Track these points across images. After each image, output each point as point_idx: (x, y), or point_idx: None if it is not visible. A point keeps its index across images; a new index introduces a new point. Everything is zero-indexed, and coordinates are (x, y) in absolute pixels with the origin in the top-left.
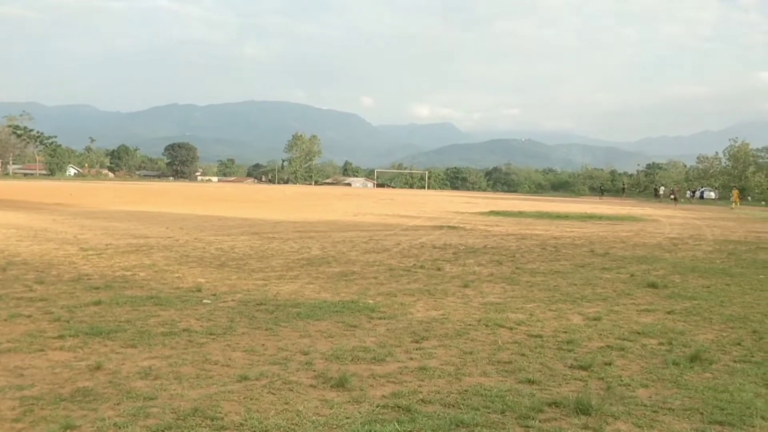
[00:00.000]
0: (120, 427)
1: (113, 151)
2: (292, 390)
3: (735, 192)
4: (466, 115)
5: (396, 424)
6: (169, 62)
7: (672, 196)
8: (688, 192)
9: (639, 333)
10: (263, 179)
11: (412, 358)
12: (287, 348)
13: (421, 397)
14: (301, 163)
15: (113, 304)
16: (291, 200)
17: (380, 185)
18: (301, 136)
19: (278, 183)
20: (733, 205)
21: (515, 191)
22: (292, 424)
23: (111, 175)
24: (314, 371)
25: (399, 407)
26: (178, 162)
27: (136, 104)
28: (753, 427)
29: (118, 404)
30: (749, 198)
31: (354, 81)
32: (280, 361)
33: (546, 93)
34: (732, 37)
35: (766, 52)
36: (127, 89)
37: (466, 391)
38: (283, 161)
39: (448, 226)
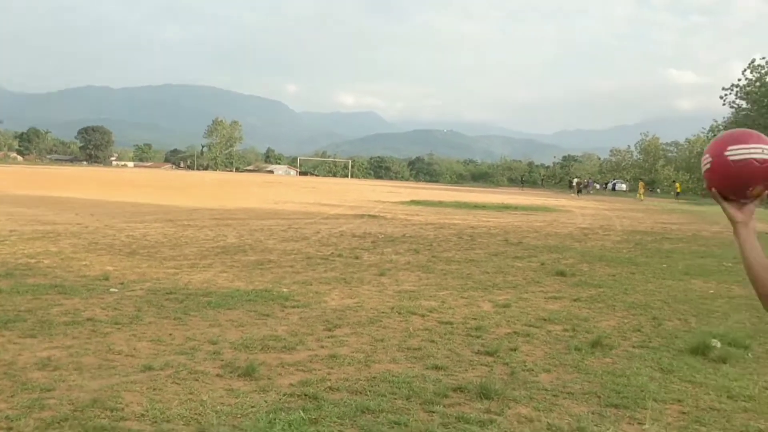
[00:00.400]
0: (12, 420)
1: (22, 133)
2: (197, 380)
3: (641, 184)
4: (390, 104)
5: (301, 412)
6: (83, 42)
7: (577, 188)
8: (597, 184)
9: (545, 320)
10: (181, 165)
11: (323, 346)
12: (195, 338)
13: (329, 384)
14: (221, 150)
15: (13, 293)
16: (209, 187)
17: (303, 173)
18: (221, 121)
19: (197, 169)
20: (640, 196)
21: (437, 181)
22: (196, 414)
23: (20, 158)
24: (222, 361)
25: (306, 395)
26: (92, 146)
27: (48, 85)
28: (645, 409)
29: (12, 396)
30: (658, 190)
31: (278, 67)
32: (187, 350)
33: (468, 85)
34: (645, 35)
35: (676, 50)
36: (38, 69)
37: (374, 378)
38: (203, 147)
39: (369, 215)
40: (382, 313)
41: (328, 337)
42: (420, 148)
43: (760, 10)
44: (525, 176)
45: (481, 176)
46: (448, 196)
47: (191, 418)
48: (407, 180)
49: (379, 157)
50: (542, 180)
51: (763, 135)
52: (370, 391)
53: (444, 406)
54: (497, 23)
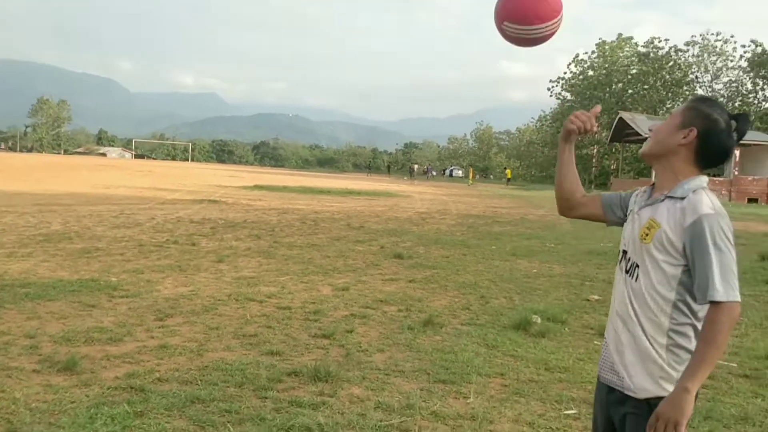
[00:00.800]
0: None
1: None
2: (10, 376)
3: (471, 170)
4: (233, 86)
5: (126, 405)
6: None
7: (410, 173)
8: (434, 171)
9: (382, 301)
10: (2, 146)
11: (152, 337)
12: (10, 332)
13: (158, 376)
14: (47, 130)
15: None
16: (33, 170)
17: (139, 156)
18: (47, 100)
19: (20, 151)
20: (470, 181)
21: (282, 166)
22: (7, 413)
23: None
24: (40, 355)
25: (132, 388)
26: None
27: None
28: (470, 383)
29: None
30: (491, 177)
31: (111, 42)
32: (0, 346)
33: (313, 69)
34: (479, 27)
35: (507, 43)
36: None
37: (206, 367)
38: (26, 127)
39: (209, 200)
40: (219, 300)
41: (159, 327)
42: (264, 132)
43: (584, 7)
44: (371, 162)
45: (326, 162)
46: (293, 181)
47: (1, 417)
48: (252, 165)
49: (221, 140)
50: (388, 166)
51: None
52: (201, 380)
53: (277, 391)
54: (342, 8)
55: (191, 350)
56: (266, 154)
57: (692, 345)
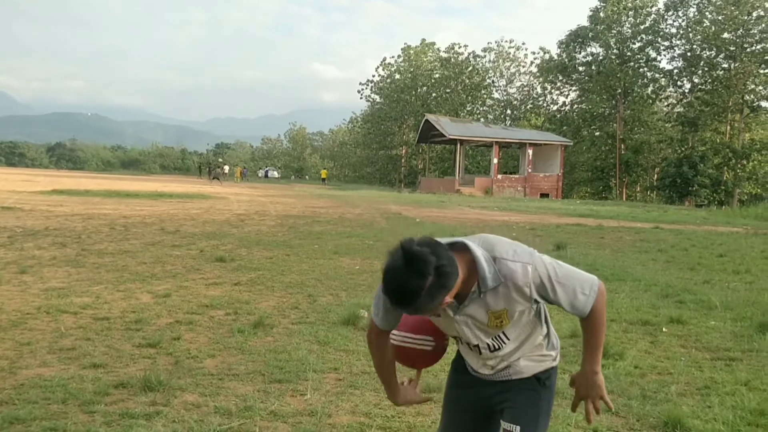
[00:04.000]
0: None
1: None
2: None
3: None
4: (25, 84)
5: None
6: None
7: (212, 174)
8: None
9: (207, 306)
10: None
11: None
12: None
13: None
14: None
15: None
16: None
17: None
18: None
19: None
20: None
21: (82, 169)
22: None
23: None
24: None
25: None
26: None
27: None
28: (306, 380)
29: None
30: (307, 177)
31: None
32: None
33: (114, 67)
34: (291, 28)
35: (319, 45)
36: None
37: (22, 385)
38: None
39: (2, 207)
40: (27, 314)
41: None
42: (61, 132)
43: (391, 12)
44: (209, 163)
45: (131, 163)
46: (96, 185)
47: None
48: (47, 168)
49: (11, 142)
50: (209, 168)
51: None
52: (18, 399)
53: (105, 405)
54: (144, 3)
55: (2, 369)
56: (63, 156)
57: (549, 327)
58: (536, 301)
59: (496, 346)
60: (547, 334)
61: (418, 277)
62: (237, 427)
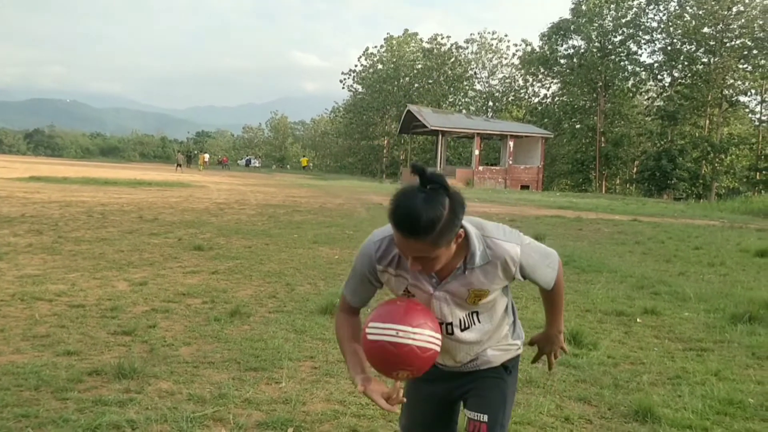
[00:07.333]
0: None
1: None
2: None
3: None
4: (1, 69)
5: None
6: None
7: (178, 165)
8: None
9: (184, 294)
10: None
11: None
12: None
13: None
14: None
15: None
16: None
17: None
18: None
19: None
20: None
21: (60, 156)
22: None
23: None
24: None
25: None
26: None
27: None
28: (281, 368)
29: None
30: (288, 166)
31: None
32: None
33: (94, 53)
34: (273, 16)
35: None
36: None
37: None
38: None
39: None
40: (2, 301)
41: None
42: (39, 119)
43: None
44: (189, 153)
45: (110, 151)
46: (74, 172)
47: None
48: (24, 154)
49: None
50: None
51: (414, 311)
52: None
53: (79, 392)
54: None
55: None
56: (41, 143)
57: (516, 317)
58: (513, 279)
59: (467, 324)
60: (513, 323)
61: (440, 198)
62: (210, 414)
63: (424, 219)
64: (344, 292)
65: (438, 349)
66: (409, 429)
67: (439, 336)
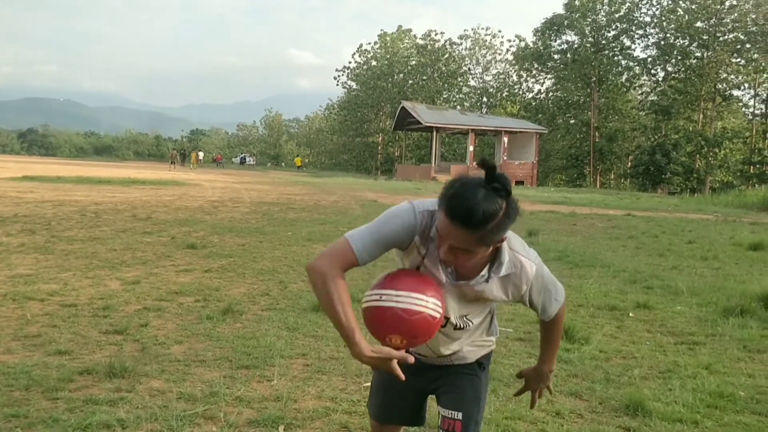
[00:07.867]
0: None
1: None
2: None
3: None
4: None
5: None
6: None
7: (172, 162)
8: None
9: (176, 292)
10: None
11: None
12: None
13: None
14: None
15: None
16: None
17: None
18: None
19: None
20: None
21: (54, 155)
22: None
23: None
24: None
25: None
26: None
27: None
28: (273, 366)
29: None
30: (283, 164)
31: None
32: None
33: (88, 51)
34: (267, 13)
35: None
36: None
37: None
38: None
39: None
40: None
41: None
42: (33, 118)
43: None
44: (184, 150)
45: (104, 150)
46: (68, 171)
47: None
48: (18, 154)
49: None
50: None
51: (402, 276)
52: None
53: (69, 391)
54: None
55: None
56: (35, 143)
57: (494, 314)
58: (516, 300)
59: (461, 326)
60: (491, 321)
61: (500, 198)
62: (201, 412)
63: (481, 213)
64: (352, 244)
65: (433, 313)
66: (379, 416)
67: (431, 300)
